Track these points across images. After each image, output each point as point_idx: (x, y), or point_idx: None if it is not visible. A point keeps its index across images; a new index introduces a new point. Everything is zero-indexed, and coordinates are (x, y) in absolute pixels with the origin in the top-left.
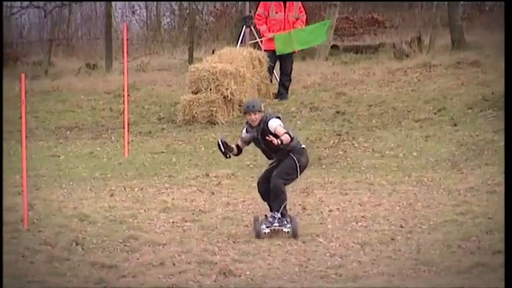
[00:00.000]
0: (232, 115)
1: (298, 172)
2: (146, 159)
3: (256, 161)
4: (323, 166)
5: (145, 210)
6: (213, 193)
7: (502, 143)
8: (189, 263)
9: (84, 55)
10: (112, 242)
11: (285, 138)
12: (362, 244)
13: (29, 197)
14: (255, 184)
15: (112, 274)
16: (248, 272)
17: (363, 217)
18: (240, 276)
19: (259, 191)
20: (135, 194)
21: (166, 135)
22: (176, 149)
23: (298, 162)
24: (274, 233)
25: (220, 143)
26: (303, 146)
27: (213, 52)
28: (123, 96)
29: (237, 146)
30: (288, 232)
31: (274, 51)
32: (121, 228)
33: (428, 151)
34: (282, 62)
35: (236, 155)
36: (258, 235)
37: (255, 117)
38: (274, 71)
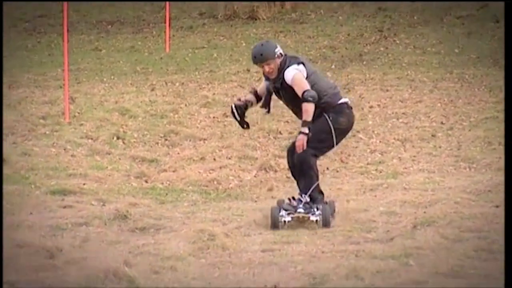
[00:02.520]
0: (274, 10)
1: (334, 137)
2: (187, 54)
3: None
4: (364, 62)
5: (186, 105)
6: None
7: None
8: (229, 158)
9: None
10: (153, 137)
11: (305, 109)
12: (403, 141)
13: (71, 90)
14: None
15: (153, 168)
16: (288, 167)
17: (404, 113)
18: (280, 171)
19: (288, 164)
20: (176, 89)
21: (207, 30)
22: (217, 44)
23: (334, 123)
24: (298, 223)
25: (234, 109)
26: (342, 100)
27: None
28: None
29: (255, 93)
30: (316, 221)
31: None
32: (162, 123)
33: (470, 48)
34: None
35: (257, 103)
36: (274, 225)
37: (270, 68)
38: None
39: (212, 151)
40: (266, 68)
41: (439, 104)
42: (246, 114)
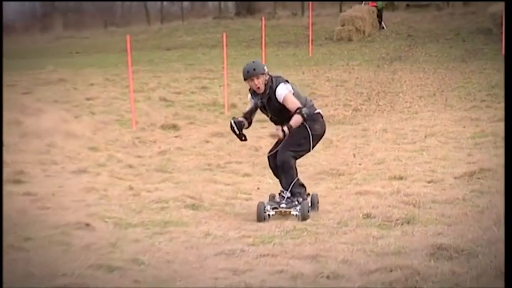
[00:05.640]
0: (359, 36)
1: (311, 142)
2: (319, 56)
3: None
4: (401, 60)
5: (319, 81)
6: (350, 73)
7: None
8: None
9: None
10: (302, 94)
11: (296, 119)
12: (420, 97)
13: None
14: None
15: None
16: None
17: (421, 84)
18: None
19: (270, 166)
20: (314, 73)
21: (329, 46)
22: (334, 52)
23: (311, 130)
24: (281, 216)
25: (234, 124)
26: (317, 111)
27: (351, 6)
28: (309, 25)
29: (245, 118)
30: (296, 215)
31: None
32: (307, 89)
33: (451, 54)
34: (379, 13)
35: (247, 127)
36: (259, 218)
37: (258, 82)
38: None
39: (329, 103)
40: (256, 82)
41: (437, 80)
42: (243, 130)
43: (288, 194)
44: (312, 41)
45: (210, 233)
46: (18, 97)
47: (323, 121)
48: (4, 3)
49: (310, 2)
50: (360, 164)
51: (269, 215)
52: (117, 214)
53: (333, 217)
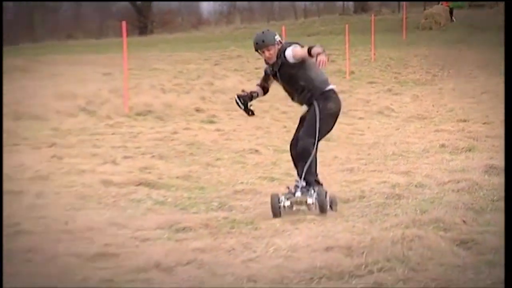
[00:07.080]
0: (437, 26)
1: (327, 122)
2: (410, 40)
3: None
4: (454, 46)
5: (409, 57)
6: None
7: None
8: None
9: None
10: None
11: (315, 51)
12: (457, 71)
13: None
14: None
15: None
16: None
17: (462, 64)
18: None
19: (291, 155)
20: (406, 51)
21: (416, 33)
22: (420, 37)
23: (324, 110)
24: (297, 206)
25: (237, 99)
26: (330, 87)
27: (432, 6)
28: (403, 19)
29: (261, 86)
30: (312, 204)
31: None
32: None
33: (474, 51)
34: (450, 10)
35: (264, 94)
36: (274, 211)
37: (269, 54)
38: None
39: (416, 71)
40: (267, 54)
41: (488, 55)
42: (251, 103)
43: (303, 183)
44: (405, 29)
45: (337, 156)
46: (211, 67)
47: (337, 96)
48: (201, 6)
49: (405, 3)
50: (437, 111)
51: (284, 206)
52: (276, 144)
53: (419, 147)
